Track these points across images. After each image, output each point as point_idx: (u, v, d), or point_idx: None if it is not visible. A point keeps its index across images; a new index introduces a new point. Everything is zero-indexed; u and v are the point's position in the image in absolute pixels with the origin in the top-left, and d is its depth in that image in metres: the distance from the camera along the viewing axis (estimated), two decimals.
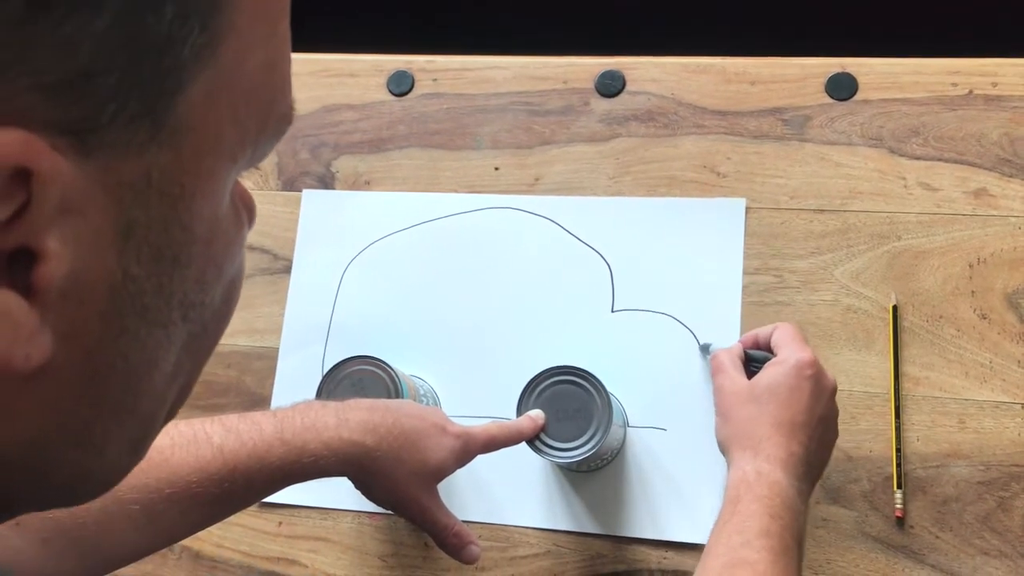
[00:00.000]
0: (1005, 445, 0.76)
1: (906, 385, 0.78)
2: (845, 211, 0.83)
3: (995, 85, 0.83)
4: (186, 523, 0.65)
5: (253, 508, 0.85)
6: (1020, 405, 0.76)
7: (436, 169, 0.94)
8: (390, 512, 0.78)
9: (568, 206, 0.89)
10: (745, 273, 0.84)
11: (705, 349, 0.81)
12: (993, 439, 0.76)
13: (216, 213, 0.30)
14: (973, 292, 0.79)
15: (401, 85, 0.97)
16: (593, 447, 0.74)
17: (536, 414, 0.75)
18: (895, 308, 0.80)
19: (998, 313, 0.78)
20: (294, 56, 0.31)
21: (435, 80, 0.97)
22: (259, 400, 0.91)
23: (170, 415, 0.34)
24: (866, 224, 0.82)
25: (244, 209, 0.33)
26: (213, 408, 0.89)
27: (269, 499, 0.73)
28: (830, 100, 0.86)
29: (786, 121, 0.87)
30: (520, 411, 0.76)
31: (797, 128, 0.86)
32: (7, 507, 0.30)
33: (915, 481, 0.77)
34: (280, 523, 0.87)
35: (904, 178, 0.83)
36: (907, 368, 0.79)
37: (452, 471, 0.73)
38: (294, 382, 0.90)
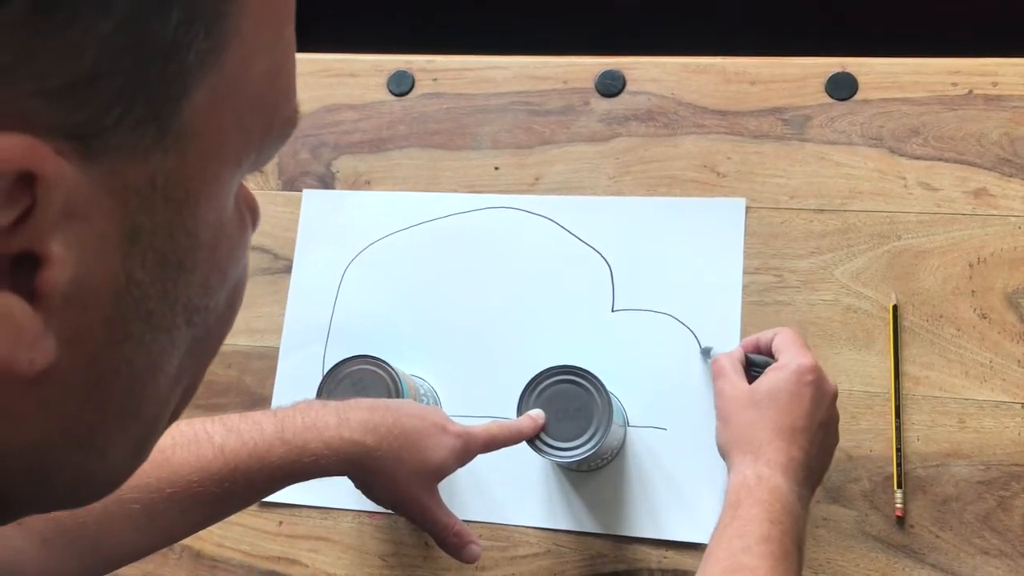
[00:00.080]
0: (1005, 445, 0.76)
1: (906, 385, 0.78)
2: (845, 211, 0.83)
3: (995, 85, 0.83)
4: (187, 522, 0.65)
5: (254, 508, 0.85)
6: (1020, 405, 0.76)
7: (436, 169, 0.94)
8: (390, 512, 0.78)
9: (568, 206, 0.89)
10: (745, 273, 0.84)
11: (706, 353, 0.81)
12: (993, 439, 0.76)
13: (221, 217, 0.30)
14: (973, 292, 0.79)
15: (401, 85, 0.97)
16: (593, 447, 0.74)
17: (536, 414, 0.75)
18: (895, 308, 0.80)
19: (998, 313, 0.78)
20: None
21: (435, 80, 0.97)
22: (260, 400, 0.91)
23: (173, 418, 0.34)
24: (866, 224, 0.83)
25: (248, 212, 0.33)
26: (214, 408, 0.89)
27: (269, 499, 0.73)
28: (830, 100, 0.86)
29: (786, 121, 0.87)
30: (520, 410, 0.76)
31: (797, 128, 0.86)
32: (10, 509, 0.30)
33: (915, 481, 0.77)
34: (280, 523, 0.87)
35: (904, 178, 0.83)
36: (907, 368, 0.79)
37: (452, 470, 0.73)
38: (294, 382, 0.90)
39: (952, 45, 0.84)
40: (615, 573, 0.80)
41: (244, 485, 0.65)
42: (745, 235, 0.84)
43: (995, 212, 0.80)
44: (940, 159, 0.83)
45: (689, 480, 0.80)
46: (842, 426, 0.72)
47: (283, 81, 0.30)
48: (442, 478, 0.72)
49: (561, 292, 0.87)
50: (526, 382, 0.76)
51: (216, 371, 0.92)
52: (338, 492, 0.84)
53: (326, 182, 0.96)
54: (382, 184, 0.94)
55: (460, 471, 0.74)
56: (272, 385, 0.91)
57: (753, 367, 0.74)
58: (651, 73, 0.91)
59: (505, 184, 0.92)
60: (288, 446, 0.66)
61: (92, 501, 0.33)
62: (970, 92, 0.84)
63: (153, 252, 0.27)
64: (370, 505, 0.77)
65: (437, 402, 0.86)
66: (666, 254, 0.86)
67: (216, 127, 0.27)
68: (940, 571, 0.75)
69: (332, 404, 0.70)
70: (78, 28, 0.23)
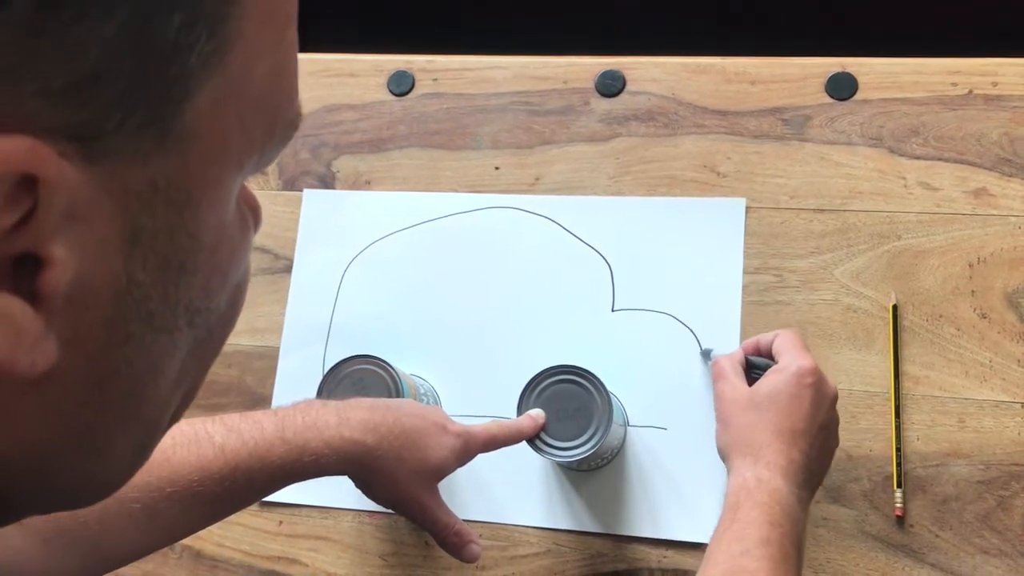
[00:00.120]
0: (1005, 444, 0.76)
1: (906, 384, 0.78)
2: (845, 211, 0.83)
3: (995, 85, 0.83)
4: (187, 522, 0.65)
5: (254, 507, 0.85)
6: (1020, 404, 0.76)
7: (436, 169, 0.94)
8: (391, 511, 0.78)
9: (568, 206, 0.89)
10: (745, 272, 0.84)
11: (706, 355, 0.81)
12: (993, 438, 0.76)
13: (222, 220, 0.30)
14: (973, 291, 0.79)
15: (401, 85, 0.97)
16: (593, 446, 0.74)
17: (536, 413, 0.75)
18: (895, 307, 0.80)
19: (998, 312, 0.78)
20: None
21: (435, 80, 0.97)
22: (260, 399, 0.91)
23: (174, 419, 0.34)
24: (866, 224, 0.83)
25: (250, 213, 0.33)
26: (214, 407, 0.89)
27: (270, 498, 0.74)
28: (830, 100, 0.86)
29: (786, 121, 0.87)
30: (520, 410, 0.76)
31: (797, 128, 0.86)
32: (11, 511, 0.30)
33: (915, 480, 0.77)
34: (281, 522, 0.87)
35: (904, 178, 0.83)
36: (907, 367, 0.79)
37: (453, 470, 0.73)
38: (295, 381, 0.90)
39: (952, 45, 0.84)
40: (615, 572, 0.80)
41: (244, 484, 0.65)
42: (745, 235, 0.84)
43: (995, 212, 0.81)
44: (940, 159, 0.83)
45: (689, 480, 0.80)
46: (842, 425, 0.72)
47: (285, 83, 0.30)
48: (442, 477, 0.72)
49: (561, 292, 0.87)
50: (526, 382, 0.76)
51: (217, 371, 0.92)
52: (338, 492, 0.84)
53: (326, 182, 0.96)
54: (382, 184, 0.95)
55: (460, 471, 0.74)
56: (272, 385, 0.91)
57: (753, 369, 0.73)
58: (651, 73, 0.91)
59: (505, 184, 0.92)
60: (288, 445, 0.66)
61: (93, 502, 0.33)
62: (970, 92, 0.84)
63: (154, 254, 0.27)
64: (370, 505, 0.77)
65: (437, 402, 0.86)
66: (666, 254, 0.86)
67: (218, 129, 0.27)
68: (940, 571, 0.75)
69: (332, 404, 0.70)
70: (81, 29, 0.23)
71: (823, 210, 0.84)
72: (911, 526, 0.76)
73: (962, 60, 0.85)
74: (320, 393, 0.78)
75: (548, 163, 0.91)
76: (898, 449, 0.77)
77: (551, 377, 0.76)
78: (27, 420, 0.27)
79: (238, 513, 0.69)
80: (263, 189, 0.97)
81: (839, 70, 0.87)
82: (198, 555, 0.88)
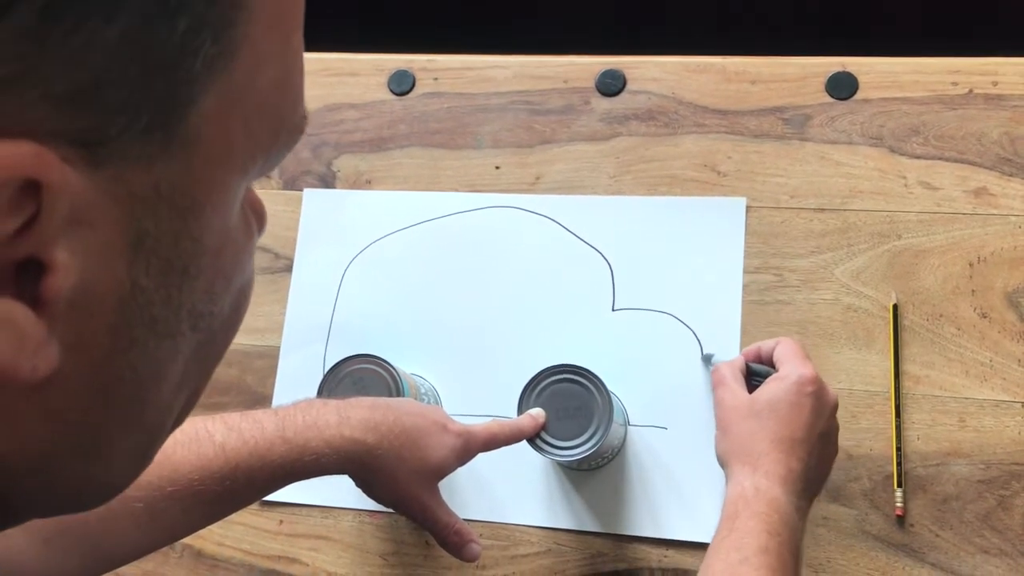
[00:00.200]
0: (1005, 444, 0.76)
1: (906, 384, 0.79)
2: (845, 210, 0.83)
3: (995, 84, 0.83)
4: (188, 521, 0.65)
5: (254, 507, 0.85)
6: (1020, 404, 0.76)
7: (437, 168, 0.94)
8: (391, 510, 0.78)
9: (569, 205, 0.89)
10: (745, 272, 0.84)
11: (707, 360, 0.81)
12: (993, 438, 0.76)
13: (226, 223, 0.29)
14: (973, 291, 0.79)
15: (402, 84, 0.97)
16: (594, 446, 0.74)
17: (537, 412, 0.75)
18: (895, 307, 0.80)
19: (998, 312, 0.78)
20: None
21: (436, 79, 0.97)
22: (260, 399, 0.91)
23: (177, 423, 0.34)
24: (866, 223, 0.83)
25: (254, 216, 0.33)
26: (215, 407, 0.89)
27: (270, 497, 0.74)
28: (830, 99, 0.86)
29: (786, 120, 0.87)
30: (521, 409, 0.76)
31: (797, 127, 0.86)
32: (14, 514, 0.30)
33: (915, 480, 0.77)
34: (281, 521, 0.88)
35: (904, 177, 0.83)
36: (907, 367, 0.79)
37: (453, 469, 0.73)
38: (295, 381, 0.90)
39: (952, 45, 0.84)
40: (615, 572, 0.80)
41: (245, 483, 0.65)
42: (745, 234, 0.85)
43: (995, 211, 0.81)
44: (940, 158, 0.83)
45: (689, 479, 0.80)
46: (842, 424, 0.72)
47: (291, 88, 0.30)
48: (442, 477, 0.72)
49: (562, 291, 0.87)
50: (526, 381, 0.76)
51: (217, 370, 0.90)
52: (339, 491, 0.84)
53: (327, 181, 0.96)
54: (383, 183, 0.95)
55: (460, 470, 0.74)
56: (273, 384, 0.91)
57: (754, 376, 0.73)
58: (651, 72, 0.91)
59: (506, 183, 0.92)
60: (289, 444, 0.66)
61: (95, 506, 0.32)
62: (970, 91, 0.84)
63: (158, 258, 0.27)
64: (371, 504, 0.77)
65: (438, 401, 0.86)
66: (666, 253, 0.86)
67: (223, 134, 0.27)
68: (940, 570, 0.75)
69: (333, 403, 0.70)
70: (83, 36, 0.22)
71: (823, 209, 0.84)
72: (911, 525, 0.76)
73: (962, 59, 0.85)
74: (320, 392, 0.78)
75: (549, 162, 0.91)
76: (898, 448, 0.77)
77: (551, 376, 0.76)
78: (29, 424, 0.26)
79: (238, 512, 0.69)
80: (264, 188, 0.97)
81: (839, 69, 0.87)
82: (198, 554, 0.88)
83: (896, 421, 0.77)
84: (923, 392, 0.78)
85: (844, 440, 0.75)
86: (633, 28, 1.21)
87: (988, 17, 1.05)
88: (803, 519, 0.66)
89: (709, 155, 0.88)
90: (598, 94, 0.92)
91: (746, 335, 0.82)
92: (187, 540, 0.86)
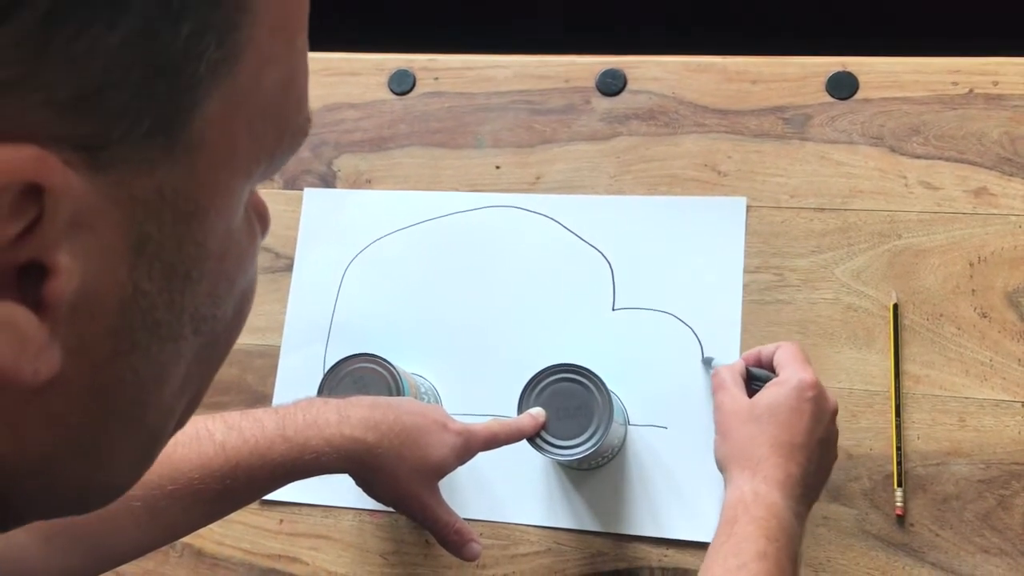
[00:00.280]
0: (1005, 443, 0.76)
1: (906, 383, 0.79)
2: (846, 210, 0.83)
3: (996, 84, 0.83)
4: (188, 519, 0.65)
5: (254, 506, 0.85)
6: (1020, 403, 0.77)
7: (437, 168, 0.94)
8: (391, 510, 0.78)
9: (569, 205, 0.89)
10: (746, 271, 0.84)
11: (707, 363, 0.81)
12: (993, 437, 0.76)
13: (230, 227, 0.29)
14: (973, 291, 0.79)
15: (402, 84, 0.97)
16: (594, 445, 0.74)
17: (537, 412, 0.75)
18: (895, 306, 0.80)
19: (998, 312, 0.78)
20: None
21: (436, 79, 0.97)
22: (261, 398, 0.91)
23: (179, 425, 0.33)
24: (867, 223, 0.83)
25: (257, 219, 0.32)
26: (215, 406, 0.89)
27: (270, 497, 0.74)
28: (831, 99, 0.86)
29: (787, 120, 0.87)
30: (521, 409, 0.76)
31: (798, 127, 0.87)
32: (15, 516, 0.30)
33: (915, 479, 0.77)
34: (281, 521, 0.88)
35: (905, 177, 0.83)
36: (907, 366, 0.79)
37: (453, 468, 0.73)
38: (296, 380, 0.91)
39: (952, 44, 0.84)
40: (615, 571, 0.80)
41: (245, 482, 0.65)
42: (746, 234, 0.85)
43: (995, 211, 0.81)
44: (941, 158, 0.83)
45: (690, 479, 0.80)
46: (842, 424, 0.72)
47: (295, 91, 0.30)
48: (443, 476, 0.72)
49: (562, 291, 0.87)
50: (527, 380, 0.76)
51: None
52: (339, 490, 0.84)
53: (327, 181, 0.96)
54: (383, 183, 0.95)
55: (461, 469, 0.74)
56: (273, 383, 0.91)
57: (754, 381, 0.73)
58: (652, 72, 0.91)
59: (506, 183, 0.92)
60: (289, 443, 0.66)
61: (96, 508, 0.32)
62: (971, 91, 0.84)
63: (160, 262, 0.27)
64: (371, 503, 0.77)
65: (438, 400, 0.86)
66: (667, 253, 0.86)
67: (227, 137, 0.27)
68: (940, 570, 0.75)
69: (333, 402, 0.70)
70: (85, 41, 0.22)
71: (824, 209, 0.84)
72: (911, 525, 0.76)
73: (962, 59, 0.85)
74: (321, 391, 0.78)
75: (549, 162, 0.91)
76: (898, 448, 0.77)
77: (552, 376, 0.76)
78: (30, 427, 0.26)
79: (239, 511, 0.70)
80: (264, 188, 0.96)
81: (840, 69, 0.87)
82: (199, 553, 0.88)
83: (896, 421, 0.77)
84: (923, 392, 0.78)
85: (844, 439, 0.75)
86: (633, 28, 1.21)
87: (988, 17, 1.05)
88: (802, 524, 0.65)
89: (709, 155, 0.88)
90: (598, 94, 0.92)
91: (746, 335, 0.82)
92: (187, 539, 0.86)
